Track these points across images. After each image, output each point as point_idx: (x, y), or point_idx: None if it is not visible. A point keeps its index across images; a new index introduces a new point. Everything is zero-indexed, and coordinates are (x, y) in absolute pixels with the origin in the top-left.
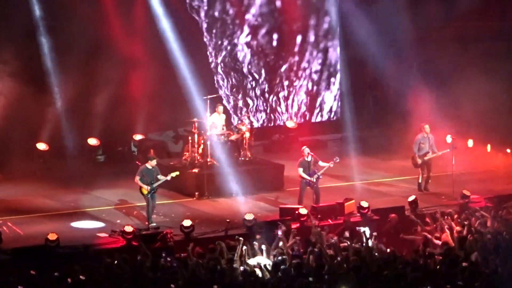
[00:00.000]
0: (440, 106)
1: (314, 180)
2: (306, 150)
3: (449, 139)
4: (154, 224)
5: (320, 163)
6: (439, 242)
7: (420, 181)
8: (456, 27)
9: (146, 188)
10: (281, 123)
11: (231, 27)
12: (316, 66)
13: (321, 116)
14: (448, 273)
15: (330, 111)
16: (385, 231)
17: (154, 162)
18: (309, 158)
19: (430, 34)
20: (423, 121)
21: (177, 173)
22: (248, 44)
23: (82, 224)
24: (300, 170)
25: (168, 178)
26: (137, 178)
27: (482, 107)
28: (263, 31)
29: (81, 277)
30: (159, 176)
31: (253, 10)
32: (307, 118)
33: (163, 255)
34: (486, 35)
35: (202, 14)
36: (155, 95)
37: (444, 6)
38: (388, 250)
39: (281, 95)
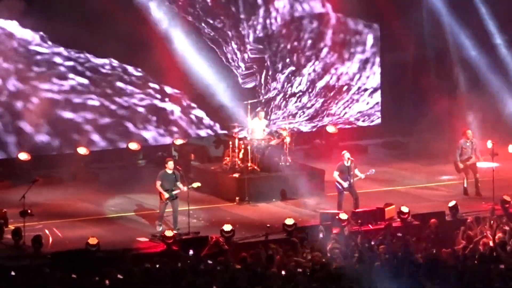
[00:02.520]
0: (480, 110)
1: (346, 187)
2: (346, 154)
3: (489, 144)
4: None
5: (356, 171)
6: (480, 248)
7: (465, 185)
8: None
9: (165, 195)
10: (322, 128)
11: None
12: (356, 71)
13: (362, 121)
14: (485, 274)
15: (371, 116)
16: (426, 236)
17: (170, 165)
18: (349, 163)
19: (469, 38)
20: (464, 126)
21: (199, 184)
22: (289, 49)
23: None
24: (336, 173)
25: (185, 189)
26: (158, 183)
27: None
28: (305, 37)
29: (119, 276)
30: (178, 184)
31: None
32: (348, 123)
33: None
34: None
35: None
36: (198, 99)
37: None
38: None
39: (321, 100)
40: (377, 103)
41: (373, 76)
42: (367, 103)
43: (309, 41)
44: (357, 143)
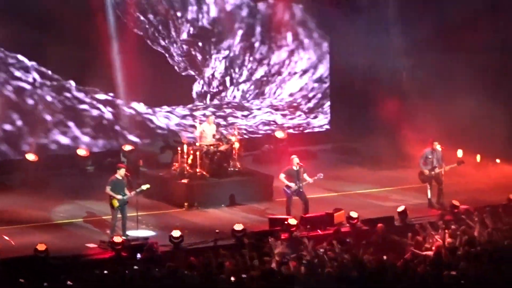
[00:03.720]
0: (430, 116)
1: (293, 189)
2: (295, 159)
3: (438, 148)
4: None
5: (305, 175)
6: (430, 253)
7: (429, 196)
8: (448, 37)
9: (117, 200)
10: (271, 133)
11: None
12: (305, 75)
13: (311, 126)
14: (436, 282)
15: (320, 121)
16: (373, 241)
17: (122, 172)
18: (297, 168)
19: (421, 44)
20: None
21: (148, 186)
22: (234, 52)
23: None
24: (282, 176)
25: (135, 192)
26: (108, 188)
27: (472, 117)
28: (249, 38)
29: (69, 282)
30: (126, 190)
31: (239, 16)
32: (297, 128)
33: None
34: (478, 46)
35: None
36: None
37: (436, 16)
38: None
39: (269, 103)
40: (326, 108)
41: (323, 81)
42: (316, 108)
43: (255, 40)
44: (307, 148)
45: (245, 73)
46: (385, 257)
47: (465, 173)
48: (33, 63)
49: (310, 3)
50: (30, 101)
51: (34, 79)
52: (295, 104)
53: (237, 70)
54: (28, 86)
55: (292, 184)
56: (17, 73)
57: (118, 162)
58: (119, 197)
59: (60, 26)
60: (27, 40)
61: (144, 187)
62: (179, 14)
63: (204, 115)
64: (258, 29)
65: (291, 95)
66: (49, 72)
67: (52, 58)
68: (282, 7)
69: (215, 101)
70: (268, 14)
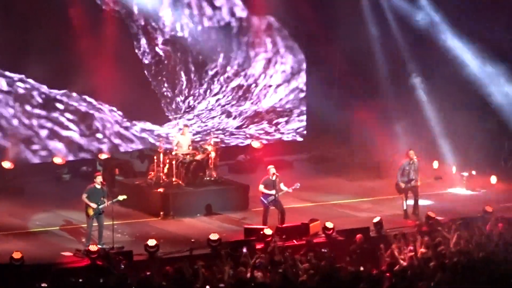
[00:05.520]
0: (406, 127)
1: (271, 200)
2: (272, 169)
3: (415, 158)
4: (106, 246)
5: (282, 185)
6: (404, 263)
7: (405, 208)
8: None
9: (92, 208)
10: (247, 143)
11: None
12: (282, 85)
13: (287, 136)
14: None
15: (296, 131)
16: (351, 251)
17: (99, 180)
18: (274, 178)
19: (399, 53)
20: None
21: (125, 197)
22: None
23: None
24: (261, 187)
25: (112, 202)
26: (84, 195)
27: (449, 128)
28: (225, 51)
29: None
30: (104, 199)
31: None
32: (273, 138)
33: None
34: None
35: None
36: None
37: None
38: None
39: (244, 111)
40: (302, 118)
41: (299, 90)
42: (292, 118)
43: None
44: (282, 158)
45: (217, 87)
46: (362, 268)
47: (440, 185)
48: (6, 70)
49: (285, 15)
50: (5, 109)
51: (9, 85)
52: (271, 115)
53: (212, 83)
54: (1, 93)
55: (272, 192)
56: None
57: (94, 171)
58: (94, 205)
59: (33, 29)
60: None
61: (121, 197)
62: (154, 25)
63: (179, 127)
64: (234, 43)
65: (267, 106)
66: (24, 77)
67: (25, 64)
68: (257, 21)
69: (191, 115)
70: (244, 27)
